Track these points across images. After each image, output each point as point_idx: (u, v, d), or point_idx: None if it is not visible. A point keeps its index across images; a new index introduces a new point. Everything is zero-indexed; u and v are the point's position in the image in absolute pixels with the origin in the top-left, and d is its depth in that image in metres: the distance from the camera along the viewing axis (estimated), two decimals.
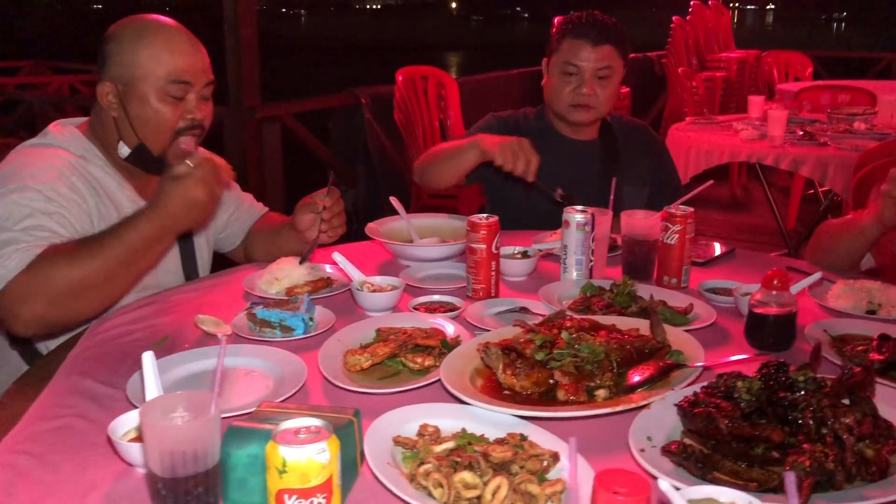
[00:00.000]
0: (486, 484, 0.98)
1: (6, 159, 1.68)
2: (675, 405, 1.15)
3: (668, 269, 1.82)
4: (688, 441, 1.10)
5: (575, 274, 1.83)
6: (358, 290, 1.68)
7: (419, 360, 1.37)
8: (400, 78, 5.07)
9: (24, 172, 1.61)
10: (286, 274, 1.79)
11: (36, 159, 1.66)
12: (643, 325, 1.45)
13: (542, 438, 1.11)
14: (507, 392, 1.27)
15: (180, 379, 1.36)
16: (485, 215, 1.76)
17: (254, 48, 4.73)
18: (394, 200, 2.17)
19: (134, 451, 1.05)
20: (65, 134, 1.75)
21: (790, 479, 0.73)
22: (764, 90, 7.07)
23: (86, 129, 1.79)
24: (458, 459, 1.02)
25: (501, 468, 1.02)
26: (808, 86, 5.95)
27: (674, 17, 8.03)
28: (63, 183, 1.63)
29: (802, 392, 1.12)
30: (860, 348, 1.43)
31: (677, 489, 0.87)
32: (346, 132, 5.48)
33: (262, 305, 1.57)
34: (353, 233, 2.19)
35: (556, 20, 2.84)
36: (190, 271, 1.94)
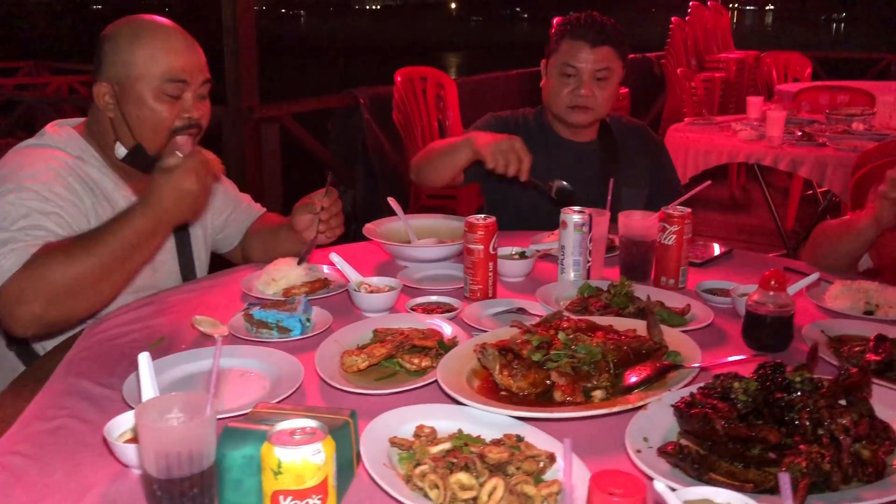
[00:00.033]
0: (482, 485, 0.98)
1: (2, 160, 1.68)
2: (672, 406, 1.15)
3: (666, 270, 1.82)
4: (684, 442, 1.10)
5: (572, 275, 1.83)
6: (355, 290, 1.68)
7: (416, 360, 1.37)
8: (399, 78, 5.08)
9: (20, 173, 1.61)
10: (283, 275, 1.79)
11: (32, 160, 1.66)
12: (640, 326, 1.45)
13: (539, 439, 1.11)
14: (503, 393, 1.27)
15: (177, 380, 1.35)
16: (482, 216, 1.76)
17: (252, 49, 4.73)
18: (391, 201, 2.17)
19: (129, 453, 1.05)
20: (62, 134, 1.75)
21: (785, 480, 0.73)
22: (763, 91, 7.08)
23: (83, 130, 1.79)
24: (455, 460, 1.02)
25: (498, 469, 1.02)
26: (806, 86, 5.96)
27: (672, 18, 8.04)
28: (59, 183, 1.63)
29: (799, 393, 1.12)
30: (857, 349, 1.42)
31: (673, 490, 0.87)
32: (344, 133, 5.48)
33: (259, 306, 1.57)
34: (351, 233, 2.19)
35: (554, 21, 2.84)
36: (187, 272, 1.94)
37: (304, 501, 0.89)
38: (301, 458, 0.88)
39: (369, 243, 2.11)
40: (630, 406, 1.19)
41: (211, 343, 1.49)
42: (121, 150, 1.73)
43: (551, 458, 1.05)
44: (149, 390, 1.12)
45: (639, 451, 1.07)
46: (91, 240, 1.51)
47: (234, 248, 2.14)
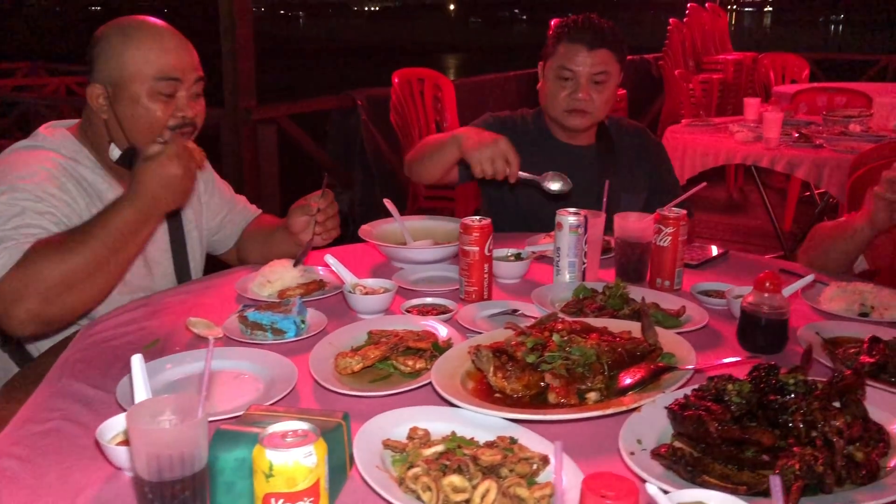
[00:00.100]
0: (475, 487, 0.98)
1: None
2: (666, 408, 1.15)
3: (661, 272, 1.82)
4: (678, 444, 1.10)
5: (568, 276, 1.83)
6: (350, 292, 1.67)
7: (410, 362, 1.37)
8: (396, 80, 5.08)
9: (13, 174, 1.61)
10: (278, 276, 1.79)
11: (26, 161, 1.66)
12: (635, 328, 1.45)
13: (533, 441, 1.11)
14: (497, 395, 1.27)
15: (171, 382, 1.35)
16: (477, 217, 1.75)
17: (250, 50, 4.73)
18: (387, 203, 2.17)
19: (122, 455, 1.05)
20: (55, 136, 1.74)
21: (776, 483, 0.73)
22: (760, 92, 7.08)
23: (76, 132, 1.79)
24: (448, 463, 1.02)
25: (491, 471, 1.02)
26: (804, 88, 5.96)
27: (670, 20, 8.04)
28: (53, 184, 1.63)
29: (793, 395, 1.12)
30: (852, 351, 1.42)
31: (666, 493, 0.87)
32: (342, 134, 5.48)
33: (253, 308, 1.57)
34: (349, 234, 2.18)
35: (552, 23, 2.84)
36: (182, 273, 1.93)
37: None
38: (293, 460, 0.88)
39: (365, 245, 2.11)
40: (624, 408, 1.19)
41: (205, 345, 1.48)
42: (115, 152, 1.73)
43: (545, 461, 1.05)
44: (142, 392, 1.11)
45: (632, 454, 1.07)
46: (82, 233, 1.51)
47: (229, 250, 2.14)
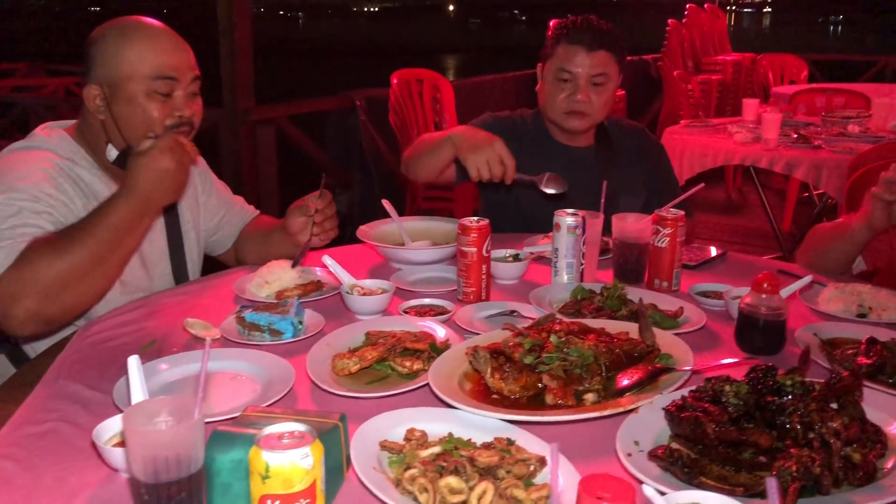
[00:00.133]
0: (471, 489, 0.98)
1: None
2: (663, 409, 1.15)
3: (659, 273, 1.82)
4: (675, 445, 1.10)
5: (566, 277, 1.83)
6: (348, 293, 1.67)
7: (408, 363, 1.37)
8: (395, 81, 5.08)
9: (10, 175, 1.61)
10: (276, 277, 1.79)
11: (22, 162, 1.65)
12: (633, 329, 1.45)
13: (530, 443, 1.11)
14: (495, 396, 1.27)
15: (168, 383, 1.35)
16: (475, 218, 1.75)
17: (248, 51, 4.73)
18: (386, 203, 2.17)
19: (118, 456, 1.05)
20: (52, 137, 1.74)
21: (772, 485, 0.73)
22: (759, 93, 7.08)
23: (73, 132, 1.78)
24: (445, 464, 1.01)
25: (488, 473, 1.02)
26: (803, 89, 5.96)
27: (669, 20, 8.04)
28: (50, 184, 1.63)
29: (790, 396, 1.12)
30: (850, 352, 1.42)
31: (663, 494, 0.87)
32: (341, 135, 5.48)
33: (251, 309, 1.56)
34: (347, 235, 2.18)
35: (551, 24, 2.83)
36: (180, 274, 1.93)
37: None
38: (289, 462, 0.88)
39: (363, 246, 2.11)
40: (621, 409, 1.19)
41: (203, 346, 1.48)
42: (112, 153, 1.73)
43: (542, 462, 1.05)
44: (138, 394, 1.11)
45: (629, 455, 1.07)
46: (78, 230, 1.51)
47: (227, 251, 2.14)
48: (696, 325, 1.57)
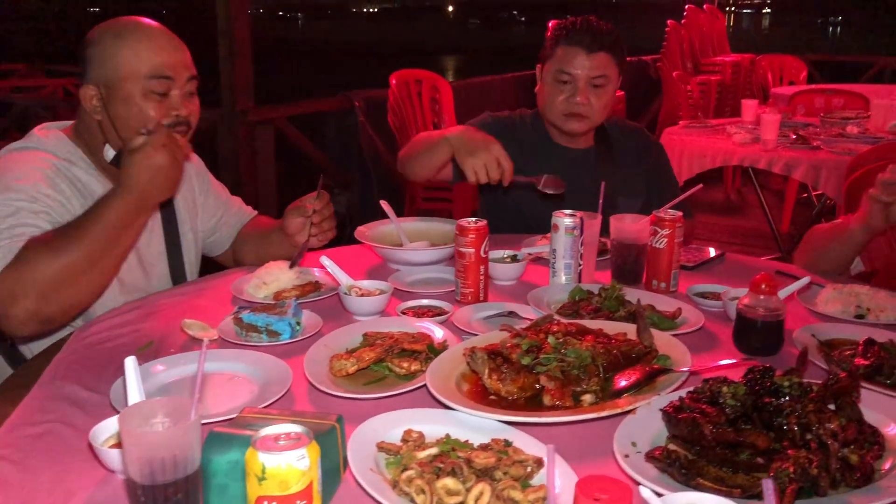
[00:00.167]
0: (468, 490, 0.98)
1: None
2: (661, 410, 1.15)
3: (657, 273, 1.82)
4: (672, 447, 1.10)
5: (564, 278, 1.82)
6: (345, 294, 1.67)
7: (405, 364, 1.36)
8: (394, 81, 5.08)
9: (7, 175, 1.61)
10: (274, 278, 1.79)
11: (20, 162, 1.65)
12: (630, 330, 1.45)
13: (527, 444, 1.10)
14: (493, 397, 1.27)
15: (165, 384, 1.35)
16: (473, 219, 1.75)
17: (247, 52, 4.73)
18: (384, 204, 2.16)
19: (114, 458, 1.04)
20: (49, 137, 1.74)
21: (768, 486, 0.73)
22: (758, 94, 7.08)
23: (71, 133, 1.78)
24: (442, 465, 1.01)
25: (485, 474, 1.01)
26: (801, 89, 5.96)
27: (668, 21, 8.05)
28: (47, 184, 1.63)
29: (787, 397, 1.12)
30: (847, 353, 1.42)
31: (660, 496, 0.87)
32: (340, 135, 5.48)
33: (248, 310, 1.56)
34: (346, 236, 2.18)
35: (550, 25, 2.82)
36: (177, 275, 1.93)
37: None
38: (285, 463, 0.88)
39: (361, 246, 2.11)
40: (619, 410, 1.19)
41: (200, 347, 1.48)
42: (109, 153, 1.73)
43: (539, 463, 1.05)
44: (135, 395, 1.11)
45: (627, 456, 1.06)
46: (75, 229, 1.51)
47: (225, 252, 2.14)
48: (694, 326, 1.57)
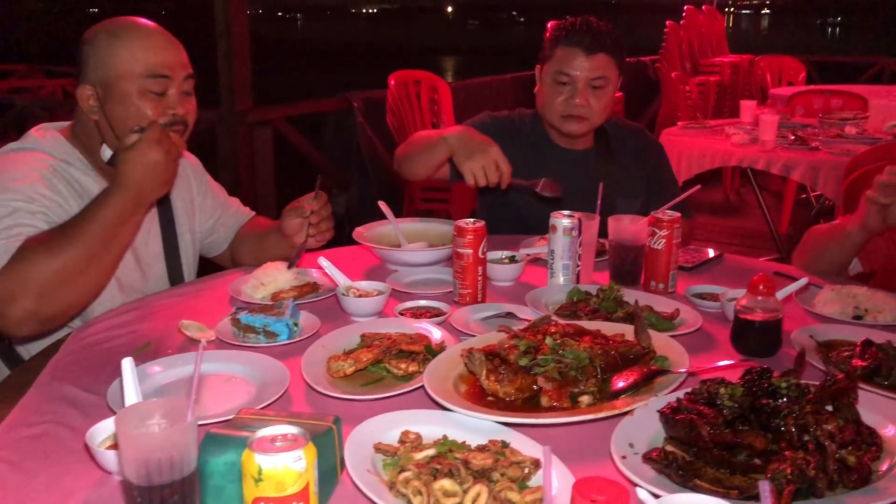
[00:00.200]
0: (465, 492, 0.98)
1: None
2: (658, 412, 1.15)
3: (656, 274, 1.82)
4: (670, 448, 1.09)
5: (562, 279, 1.82)
6: (343, 295, 1.67)
7: (403, 365, 1.36)
8: (392, 82, 5.08)
9: (4, 176, 1.61)
10: (272, 279, 1.79)
11: (17, 163, 1.65)
12: (628, 331, 1.45)
13: (525, 445, 1.10)
14: (490, 398, 1.27)
15: (163, 385, 1.35)
16: (472, 220, 1.75)
17: (245, 52, 4.73)
18: (382, 205, 2.16)
19: (111, 459, 1.04)
20: (46, 138, 1.74)
21: (764, 488, 0.73)
22: (757, 95, 7.09)
23: (67, 133, 1.78)
24: (439, 467, 1.01)
25: (482, 476, 1.01)
26: (800, 90, 5.97)
27: (667, 22, 8.05)
28: (44, 185, 1.63)
29: (785, 399, 1.11)
30: (845, 354, 1.42)
31: (657, 497, 0.87)
32: (338, 136, 5.48)
33: (246, 310, 1.56)
34: (345, 236, 2.17)
35: (549, 25, 2.81)
36: (175, 276, 1.93)
37: None
38: (282, 464, 0.88)
39: (359, 247, 2.10)
40: (617, 411, 1.18)
41: (198, 348, 1.48)
42: (106, 153, 1.73)
43: (536, 465, 1.05)
44: (132, 396, 1.11)
45: (624, 458, 1.06)
46: (72, 228, 1.51)
47: (223, 252, 2.13)
48: (691, 328, 1.57)
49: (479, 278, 1.73)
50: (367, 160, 5.35)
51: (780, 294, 1.57)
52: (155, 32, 1.73)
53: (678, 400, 1.16)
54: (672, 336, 1.48)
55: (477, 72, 7.73)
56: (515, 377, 1.27)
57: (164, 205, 1.90)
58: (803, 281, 1.70)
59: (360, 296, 1.68)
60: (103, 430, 1.11)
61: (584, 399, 1.25)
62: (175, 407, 0.95)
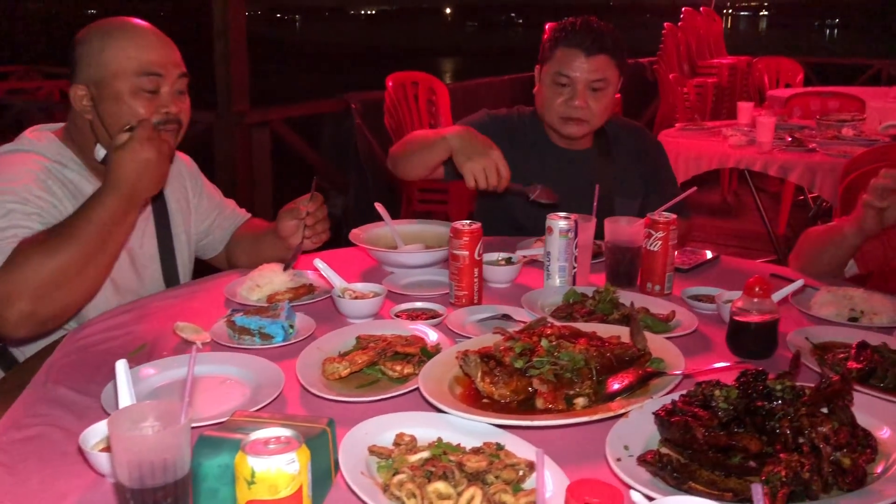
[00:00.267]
0: (460, 494, 0.97)
1: None
2: (653, 414, 1.15)
3: (652, 276, 1.81)
4: (664, 450, 1.09)
5: (558, 280, 1.82)
6: (339, 297, 1.67)
7: (398, 367, 1.36)
8: (390, 83, 5.08)
9: None
10: (268, 280, 1.78)
11: (10, 165, 1.65)
12: (624, 333, 1.45)
13: (519, 447, 1.10)
14: (485, 400, 1.26)
15: (157, 387, 1.34)
16: (468, 222, 1.75)
17: (243, 53, 4.73)
18: (378, 206, 2.16)
19: (104, 462, 1.04)
20: (41, 139, 1.74)
21: (757, 490, 0.73)
22: (755, 96, 7.10)
23: (62, 134, 1.78)
24: (433, 469, 1.01)
25: (476, 478, 1.01)
26: (798, 92, 5.98)
27: (665, 24, 8.05)
28: (38, 186, 1.63)
29: (780, 401, 1.11)
30: (841, 356, 1.42)
31: (652, 500, 0.86)
32: (336, 138, 5.48)
33: (241, 312, 1.56)
34: (343, 238, 2.17)
35: (548, 26, 2.80)
36: (170, 277, 1.92)
37: None
38: (275, 467, 0.87)
39: (356, 249, 2.10)
40: (612, 414, 1.18)
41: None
42: (100, 153, 1.72)
43: (531, 467, 1.05)
44: (126, 398, 1.10)
45: (619, 460, 1.06)
46: (67, 227, 1.51)
47: (218, 254, 2.13)
48: (687, 329, 1.57)
49: (476, 280, 1.73)
50: (364, 162, 5.35)
51: (776, 296, 1.57)
52: (147, 31, 1.73)
53: (673, 402, 1.15)
54: (668, 338, 1.47)
55: (475, 73, 7.75)
56: (511, 379, 1.26)
57: (159, 206, 1.90)
58: (799, 283, 1.70)
59: (355, 298, 1.68)
60: (97, 432, 1.10)
61: (580, 401, 1.25)
62: (168, 409, 0.94)
